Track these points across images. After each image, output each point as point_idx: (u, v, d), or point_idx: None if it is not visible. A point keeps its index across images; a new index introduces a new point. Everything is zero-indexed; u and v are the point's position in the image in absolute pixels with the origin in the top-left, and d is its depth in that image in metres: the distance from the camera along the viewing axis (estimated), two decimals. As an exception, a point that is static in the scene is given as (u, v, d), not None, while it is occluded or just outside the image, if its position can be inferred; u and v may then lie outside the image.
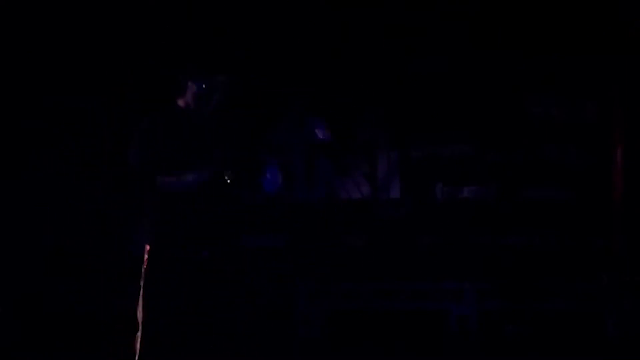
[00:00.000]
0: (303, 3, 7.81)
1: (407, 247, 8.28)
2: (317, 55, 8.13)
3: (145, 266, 4.27)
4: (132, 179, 4.35)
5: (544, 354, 7.26)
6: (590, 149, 8.27)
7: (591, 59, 8.01)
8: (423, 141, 8.47)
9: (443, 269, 8.06)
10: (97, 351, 6.65)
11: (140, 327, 4.23)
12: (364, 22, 7.93)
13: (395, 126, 8.53)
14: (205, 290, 4.27)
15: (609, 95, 8.20)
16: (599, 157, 8.23)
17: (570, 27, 7.87)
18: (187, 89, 4.35)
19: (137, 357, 4.24)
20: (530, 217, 8.17)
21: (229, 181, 4.28)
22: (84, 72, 7.91)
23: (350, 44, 8.07)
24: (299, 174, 8.50)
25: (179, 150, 4.29)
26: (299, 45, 8.05)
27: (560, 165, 8.29)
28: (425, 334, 7.78)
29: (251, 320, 7.68)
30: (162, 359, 4.22)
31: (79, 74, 7.90)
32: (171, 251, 4.25)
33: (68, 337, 7.25)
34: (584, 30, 7.87)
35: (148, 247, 4.29)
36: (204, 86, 4.32)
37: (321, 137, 3.92)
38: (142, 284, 4.26)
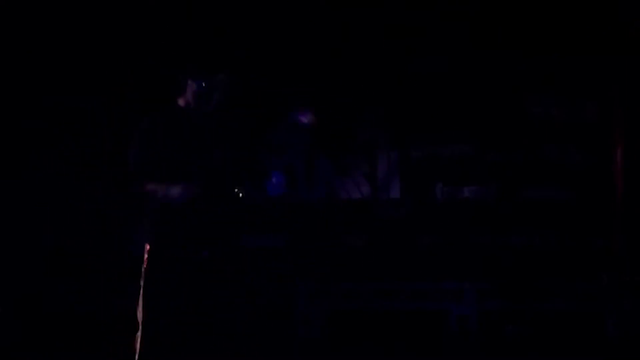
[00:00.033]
0: (303, 3, 7.81)
1: (407, 247, 8.28)
2: (317, 55, 8.13)
3: (145, 266, 4.27)
4: (132, 180, 4.35)
5: (544, 354, 7.26)
6: (590, 149, 8.27)
7: (591, 59, 8.01)
8: (423, 141, 8.47)
9: (443, 269, 8.06)
10: (97, 351, 6.65)
11: (140, 327, 4.23)
12: (364, 22, 7.92)
13: (395, 126, 8.53)
14: (205, 290, 4.27)
15: (609, 95, 8.20)
16: (599, 157, 8.23)
17: (570, 27, 7.87)
18: (187, 88, 4.35)
19: (137, 357, 4.24)
20: (530, 217, 8.17)
21: (240, 195, 4.28)
22: (84, 72, 7.90)
23: (350, 44, 8.07)
24: (299, 174, 8.50)
25: (178, 150, 4.29)
26: (299, 45, 8.04)
27: (560, 165, 8.29)
28: (425, 334, 7.78)
29: (251, 320, 7.68)
30: (162, 359, 4.22)
31: (79, 74, 7.90)
32: (171, 251, 4.25)
33: (68, 337, 7.25)
34: (584, 30, 7.87)
35: (148, 247, 4.29)
36: (204, 85, 4.31)
37: (305, 122, 3.90)
38: (142, 284, 4.26)
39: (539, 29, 7.90)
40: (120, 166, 4.39)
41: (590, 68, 8.08)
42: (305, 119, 4.06)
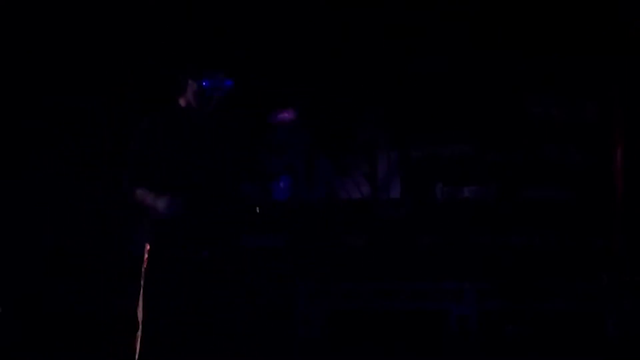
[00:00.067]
0: (303, 3, 7.81)
1: (407, 247, 8.28)
2: (317, 55, 8.13)
3: (145, 266, 4.27)
4: (128, 183, 4.34)
5: (544, 354, 7.26)
6: (590, 149, 8.27)
7: (591, 59, 8.01)
8: (423, 141, 8.47)
9: (443, 269, 8.06)
10: (97, 351, 6.65)
11: (140, 327, 4.23)
12: (364, 22, 7.92)
13: (395, 126, 8.54)
14: (205, 290, 4.27)
15: (609, 95, 8.21)
16: (599, 157, 8.23)
17: (570, 27, 7.87)
18: (188, 88, 4.35)
19: (137, 357, 4.24)
20: (530, 217, 8.17)
21: (257, 211, 4.27)
22: (84, 72, 7.91)
23: (350, 44, 8.07)
24: (299, 174, 8.50)
25: (178, 150, 4.29)
26: (299, 45, 8.04)
27: (560, 165, 8.29)
28: (425, 334, 7.78)
29: (251, 320, 7.68)
30: (162, 359, 4.22)
31: (79, 74, 7.90)
32: (171, 251, 4.25)
33: (68, 337, 7.25)
34: (584, 30, 7.87)
35: (148, 247, 4.29)
36: (204, 84, 4.31)
37: (288, 120, 3.88)
38: (142, 284, 4.25)
39: (539, 29, 7.90)
40: (120, 166, 4.39)
41: (590, 68, 8.08)
42: (288, 117, 4.06)
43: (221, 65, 4.39)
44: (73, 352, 6.94)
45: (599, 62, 8.02)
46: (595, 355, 7.07)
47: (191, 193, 4.26)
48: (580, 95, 8.32)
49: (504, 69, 8.19)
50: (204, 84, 4.32)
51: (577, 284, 7.84)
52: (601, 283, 7.78)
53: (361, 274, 8.16)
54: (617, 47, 7.86)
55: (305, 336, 7.89)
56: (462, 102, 8.24)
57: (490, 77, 8.23)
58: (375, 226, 8.43)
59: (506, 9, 7.84)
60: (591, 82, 8.20)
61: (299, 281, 8.07)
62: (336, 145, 8.56)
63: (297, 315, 7.98)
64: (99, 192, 7.79)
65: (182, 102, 4.40)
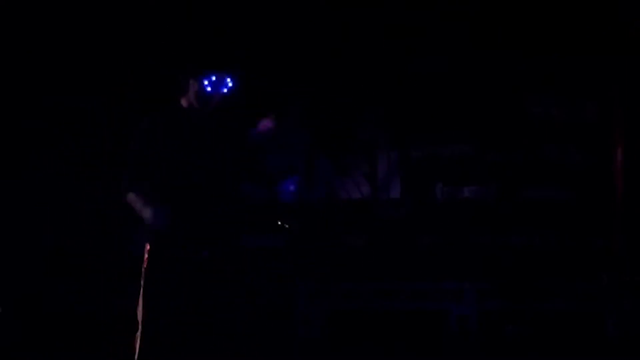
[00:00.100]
0: (303, 3, 7.81)
1: (407, 247, 8.28)
2: (317, 55, 8.13)
3: (145, 266, 4.27)
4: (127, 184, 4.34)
5: (544, 354, 7.26)
6: (590, 149, 8.27)
7: (591, 59, 8.01)
8: (423, 141, 8.48)
9: (443, 269, 8.06)
10: (97, 351, 6.65)
11: (140, 327, 4.23)
12: (364, 22, 7.92)
13: (395, 126, 8.54)
14: (205, 290, 4.27)
15: (609, 95, 8.21)
16: (599, 157, 8.23)
17: (570, 27, 7.87)
18: (190, 88, 4.35)
19: (137, 357, 4.24)
20: (530, 217, 8.17)
21: (286, 226, 4.28)
22: (84, 72, 7.91)
23: (350, 44, 8.07)
24: (299, 174, 8.50)
25: (178, 151, 4.29)
26: (299, 45, 8.04)
27: (560, 165, 8.30)
28: (425, 334, 7.77)
29: (251, 320, 7.68)
30: (162, 359, 4.22)
31: (79, 74, 7.90)
32: (171, 251, 4.25)
33: (68, 337, 7.25)
34: (584, 30, 7.87)
35: (148, 247, 4.28)
36: (206, 84, 4.31)
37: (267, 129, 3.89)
38: (142, 283, 4.25)
39: (539, 29, 7.90)
40: (120, 166, 4.39)
41: (590, 68, 8.08)
42: (267, 126, 4.06)
43: (221, 66, 4.39)
44: (73, 352, 6.93)
45: (599, 62, 8.02)
46: (595, 355, 7.07)
47: (191, 193, 4.26)
48: (580, 95, 8.32)
49: (504, 69, 8.19)
50: (205, 83, 4.31)
51: (577, 284, 7.84)
52: (601, 283, 7.78)
53: (361, 274, 8.16)
54: (617, 47, 7.85)
55: (305, 336, 7.89)
56: (462, 102, 8.24)
57: (490, 77, 8.23)
58: (375, 226, 8.43)
59: (506, 9, 7.84)
60: (591, 82, 8.20)
61: (299, 281, 8.07)
62: (336, 145, 8.57)
63: (297, 315, 7.98)
64: (99, 192, 7.78)
65: (183, 102, 4.39)
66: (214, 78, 4.33)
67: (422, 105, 8.31)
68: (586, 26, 7.85)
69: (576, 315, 7.72)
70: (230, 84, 4.37)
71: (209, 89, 4.32)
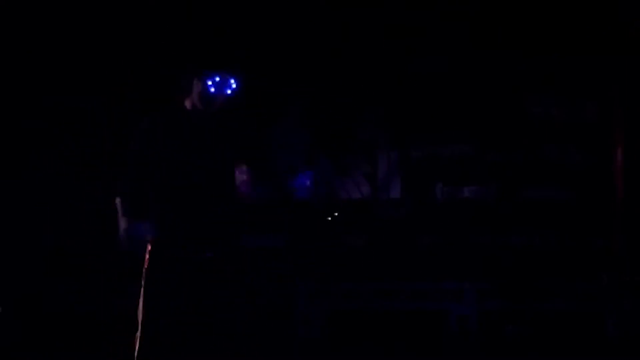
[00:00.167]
0: (303, 3, 7.81)
1: (407, 247, 8.28)
2: (317, 55, 8.13)
3: (146, 266, 4.27)
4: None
5: (544, 354, 7.26)
6: (590, 149, 8.28)
7: (591, 59, 8.01)
8: (423, 141, 8.48)
9: (443, 269, 8.06)
10: (97, 351, 6.65)
11: (140, 327, 4.23)
12: (364, 22, 7.92)
13: (395, 126, 8.54)
14: (205, 290, 4.27)
15: (609, 95, 8.21)
16: (599, 157, 8.23)
17: (570, 27, 7.87)
18: (193, 89, 4.34)
19: (137, 357, 4.24)
20: (530, 217, 8.17)
21: (335, 215, 4.28)
22: (84, 72, 7.91)
23: (350, 44, 8.07)
24: (299, 174, 8.49)
25: (178, 151, 4.29)
26: (299, 45, 8.04)
27: (560, 165, 8.30)
28: (425, 334, 7.77)
29: (251, 320, 7.67)
30: (162, 359, 4.22)
31: (79, 74, 7.90)
32: (171, 251, 4.25)
33: (68, 337, 7.25)
34: (584, 30, 7.87)
35: (149, 247, 4.29)
36: (210, 84, 4.31)
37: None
38: (143, 283, 4.25)
39: (539, 29, 7.90)
40: (120, 166, 4.39)
41: (590, 68, 8.08)
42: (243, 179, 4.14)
43: (221, 66, 4.39)
44: (73, 352, 6.93)
45: (599, 62, 8.02)
46: (595, 355, 7.06)
47: (190, 193, 4.26)
48: (580, 95, 8.33)
49: (504, 69, 8.19)
50: (209, 84, 4.31)
51: (577, 284, 7.84)
52: (601, 283, 7.78)
53: (361, 274, 8.15)
54: (617, 47, 7.86)
55: (305, 336, 7.89)
56: (462, 102, 8.25)
57: (490, 77, 8.23)
58: (375, 226, 8.43)
59: (506, 9, 7.84)
60: (591, 82, 8.20)
61: (299, 281, 8.06)
62: (336, 145, 8.57)
63: (297, 315, 7.98)
64: (99, 192, 7.78)
65: (187, 103, 4.39)
66: (217, 79, 4.32)
67: (422, 105, 8.31)
68: (586, 26, 7.85)
69: (576, 315, 7.72)
70: (234, 85, 4.37)
71: (212, 89, 4.32)
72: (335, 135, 8.51)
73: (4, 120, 7.88)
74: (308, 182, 4.40)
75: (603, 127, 8.24)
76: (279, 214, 8.25)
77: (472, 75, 8.22)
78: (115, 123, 7.76)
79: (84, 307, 7.70)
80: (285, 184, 8.05)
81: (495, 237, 8.20)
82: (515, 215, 8.20)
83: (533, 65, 8.15)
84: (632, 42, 7.78)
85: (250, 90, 4.52)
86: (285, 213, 8.29)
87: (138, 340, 4.23)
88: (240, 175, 4.33)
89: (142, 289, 4.25)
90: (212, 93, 4.32)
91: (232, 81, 4.36)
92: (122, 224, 4.26)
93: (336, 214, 4.04)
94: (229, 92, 4.36)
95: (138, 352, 4.23)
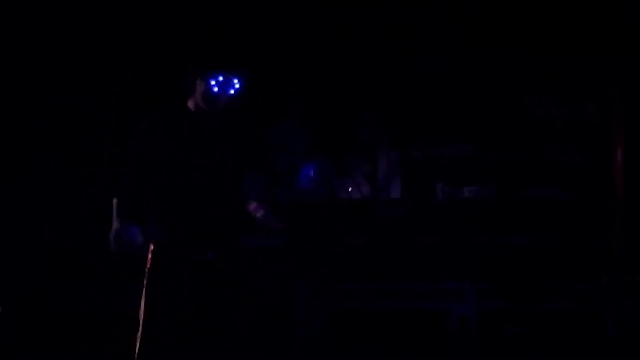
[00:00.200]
0: (303, 3, 7.81)
1: (407, 247, 8.28)
2: (317, 55, 8.13)
3: (149, 266, 4.27)
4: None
5: (544, 354, 7.26)
6: (590, 149, 8.27)
7: (591, 59, 8.01)
8: (423, 141, 8.47)
9: (443, 269, 8.06)
10: (97, 351, 6.65)
11: (140, 327, 4.23)
12: (364, 22, 7.92)
13: (395, 126, 8.54)
14: (205, 290, 4.27)
15: (609, 95, 8.21)
16: (599, 157, 8.23)
17: (570, 27, 7.87)
18: (197, 89, 4.34)
19: (137, 357, 4.24)
20: (530, 217, 8.17)
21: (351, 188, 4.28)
22: (84, 72, 7.90)
23: (350, 44, 8.07)
24: (299, 174, 8.49)
25: (178, 151, 4.29)
26: (299, 45, 8.04)
27: (560, 165, 8.29)
28: (425, 334, 7.77)
29: (251, 320, 7.67)
30: (162, 359, 4.22)
31: (79, 74, 7.90)
32: (174, 251, 4.25)
33: (68, 337, 7.25)
34: (584, 30, 7.87)
35: (152, 247, 4.29)
36: (213, 84, 4.31)
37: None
38: (145, 283, 4.26)
39: (539, 29, 7.89)
40: (120, 166, 4.39)
41: (590, 68, 8.08)
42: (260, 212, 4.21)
43: (221, 66, 4.38)
44: (73, 352, 6.93)
45: (599, 62, 8.02)
46: (595, 355, 7.07)
47: (191, 193, 4.26)
48: (580, 95, 8.32)
49: (504, 69, 8.19)
50: (212, 84, 4.31)
51: (577, 284, 7.83)
52: (601, 283, 7.78)
53: (361, 274, 8.15)
54: (617, 47, 7.85)
55: (305, 336, 7.89)
56: (462, 102, 8.24)
57: (490, 77, 8.23)
58: (375, 226, 8.42)
59: (506, 9, 7.84)
60: (591, 82, 8.20)
61: (299, 281, 8.06)
62: (336, 145, 8.56)
63: (297, 315, 7.98)
64: (99, 192, 7.77)
65: (190, 103, 4.39)
66: (220, 78, 4.32)
67: (422, 105, 8.31)
68: (586, 26, 7.85)
69: (576, 315, 7.72)
70: (237, 85, 4.37)
71: (215, 89, 4.32)
72: (335, 135, 8.50)
73: (4, 120, 7.88)
74: (311, 173, 4.40)
75: (603, 127, 8.24)
76: (279, 214, 8.23)
77: (472, 75, 8.22)
78: (115, 123, 7.76)
79: (84, 307, 7.69)
80: (285, 184, 8.04)
81: (495, 237, 8.19)
82: (515, 215, 8.20)
83: (533, 65, 8.15)
84: (632, 42, 7.78)
85: (251, 90, 4.52)
86: (286, 213, 8.28)
87: (138, 340, 4.23)
88: (258, 212, 4.35)
89: (144, 289, 4.25)
90: (215, 93, 4.32)
91: (236, 81, 4.36)
92: (115, 224, 4.26)
93: (350, 189, 4.05)
94: (232, 92, 4.36)
95: (138, 352, 4.23)
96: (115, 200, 4.30)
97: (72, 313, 7.67)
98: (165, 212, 4.28)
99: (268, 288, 8.03)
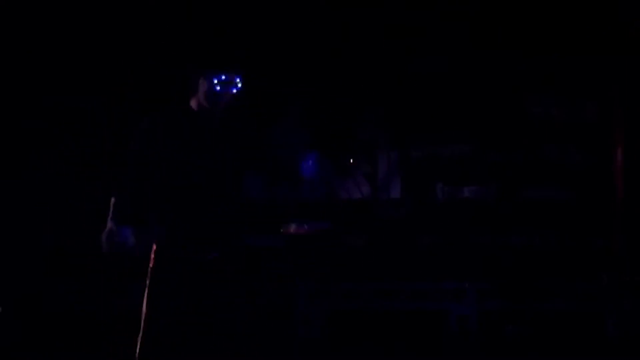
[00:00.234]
0: (303, 3, 7.81)
1: (407, 247, 8.28)
2: (317, 55, 8.13)
3: (151, 266, 4.27)
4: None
5: (544, 354, 7.26)
6: (590, 149, 8.28)
7: (591, 59, 8.01)
8: (423, 141, 8.47)
9: (443, 269, 8.06)
10: (97, 351, 6.65)
11: (140, 327, 4.23)
12: (364, 22, 7.92)
13: (395, 126, 8.54)
14: (205, 290, 4.27)
15: (609, 95, 8.21)
16: (599, 157, 8.23)
17: (570, 27, 7.87)
18: (199, 88, 4.34)
19: (137, 357, 4.24)
20: (530, 217, 8.17)
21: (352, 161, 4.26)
22: (84, 72, 7.90)
23: (350, 44, 8.07)
24: (299, 174, 8.48)
25: (178, 151, 4.29)
26: (299, 45, 8.04)
27: (560, 165, 8.30)
28: (425, 334, 7.77)
29: (251, 320, 7.66)
30: (162, 359, 4.22)
31: (79, 74, 7.90)
32: (171, 251, 4.25)
33: (68, 337, 7.25)
34: (584, 30, 7.87)
35: (155, 247, 4.29)
36: (215, 83, 4.30)
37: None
38: (147, 283, 4.26)
39: (539, 29, 7.90)
40: (120, 166, 4.39)
41: (590, 68, 8.08)
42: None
43: (221, 65, 4.38)
44: (73, 352, 6.93)
45: (599, 62, 8.02)
46: (595, 355, 7.07)
47: (191, 193, 4.26)
48: (580, 95, 8.32)
49: (504, 69, 8.19)
50: (214, 83, 4.31)
51: (577, 284, 7.84)
52: (601, 283, 7.78)
53: (361, 274, 8.15)
54: (617, 47, 7.86)
55: (305, 336, 7.89)
56: (462, 102, 8.24)
57: (490, 77, 8.23)
58: (375, 226, 8.42)
59: (506, 9, 7.84)
60: (591, 82, 8.20)
61: (299, 281, 8.06)
62: (336, 145, 8.56)
63: (297, 315, 7.98)
64: (99, 192, 7.77)
65: (193, 103, 4.38)
66: (223, 77, 4.32)
67: (422, 105, 8.31)
68: (586, 26, 7.85)
69: (576, 315, 7.72)
70: (239, 84, 4.36)
71: (218, 88, 4.32)
72: (335, 135, 8.50)
73: (4, 120, 7.88)
74: (311, 162, 4.39)
75: (603, 127, 8.24)
76: (279, 214, 8.24)
77: (472, 75, 8.22)
78: (115, 123, 7.75)
79: (84, 307, 7.69)
80: (285, 184, 8.03)
81: (495, 237, 8.20)
82: (515, 215, 8.20)
83: (533, 65, 8.15)
84: (632, 42, 7.78)
85: (251, 90, 4.52)
86: (286, 213, 8.29)
87: (138, 340, 4.23)
88: (302, 229, 4.37)
89: (146, 289, 4.25)
90: (218, 92, 4.32)
91: (238, 80, 4.36)
92: (108, 224, 4.26)
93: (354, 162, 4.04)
94: (234, 91, 4.36)
95: (139, 352, 4.23)
96: (112, 200, 4.30)
97: (72, 313, 7.67)
98: (165, 212, 4.28)
99: (268, 288, 8.03)
